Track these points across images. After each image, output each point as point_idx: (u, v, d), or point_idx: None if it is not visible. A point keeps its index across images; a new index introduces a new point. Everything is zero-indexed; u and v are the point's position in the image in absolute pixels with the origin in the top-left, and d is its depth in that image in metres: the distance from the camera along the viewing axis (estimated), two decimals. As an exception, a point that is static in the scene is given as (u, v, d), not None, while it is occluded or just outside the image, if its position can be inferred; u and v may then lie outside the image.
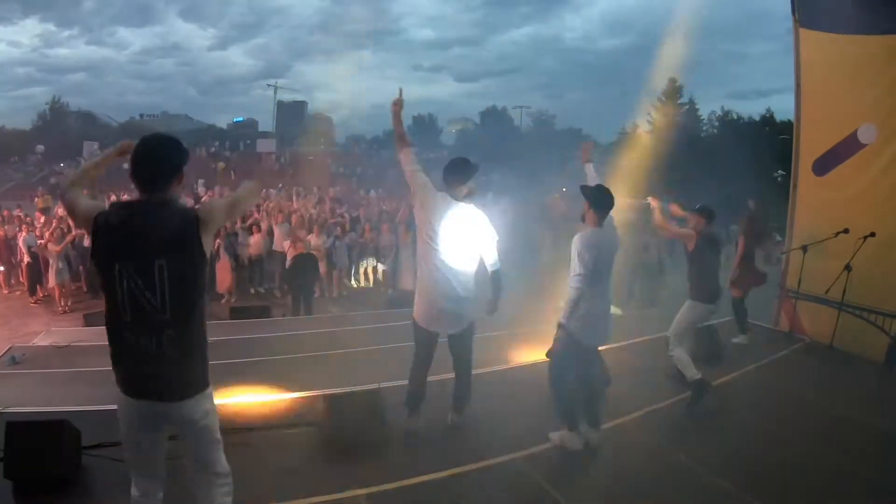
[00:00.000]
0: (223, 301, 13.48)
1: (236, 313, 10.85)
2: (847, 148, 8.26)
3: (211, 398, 2.92)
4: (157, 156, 2.79)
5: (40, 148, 46.90)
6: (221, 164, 46.39)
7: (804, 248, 8.20)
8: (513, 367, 7.12)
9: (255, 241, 15.07)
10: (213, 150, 52.77)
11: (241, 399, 5.71)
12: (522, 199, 20.70)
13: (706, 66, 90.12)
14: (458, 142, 65.74)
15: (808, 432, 5.44)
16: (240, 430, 4.82)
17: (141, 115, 76.78)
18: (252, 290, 15.01)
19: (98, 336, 8.51)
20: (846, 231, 7.80)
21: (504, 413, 5.56)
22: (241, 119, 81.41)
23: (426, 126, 70.73)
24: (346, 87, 74.84)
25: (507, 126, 62.26)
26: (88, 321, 10.39)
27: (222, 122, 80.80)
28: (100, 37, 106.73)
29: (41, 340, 9.32)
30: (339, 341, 8.42)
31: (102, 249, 2.73)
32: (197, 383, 2.84)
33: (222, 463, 3.00)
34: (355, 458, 4.71)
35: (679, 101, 50.48)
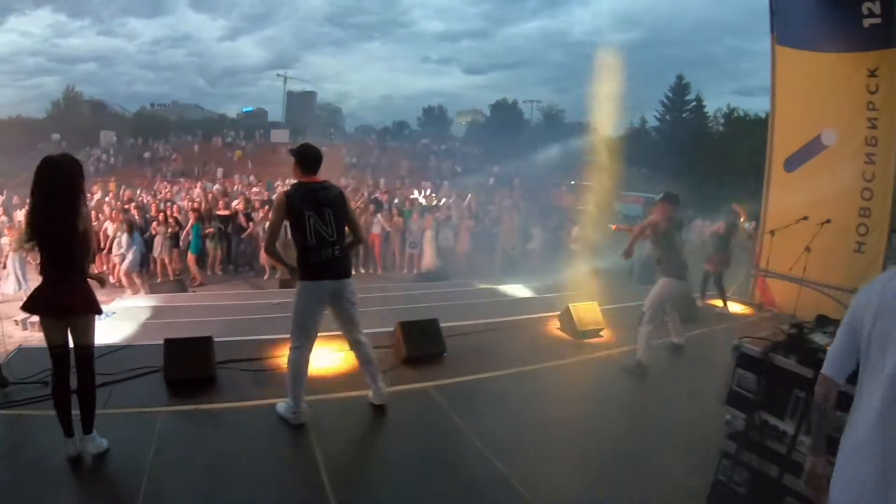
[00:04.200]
0: (265, 277, 14.94)
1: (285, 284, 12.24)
2: (812, 149, 9.73)
3: None
4: None
5: (56, 137, 46.18)
6: (239, 153, 46.96)
7: (772, 233, 9.76)
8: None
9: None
10: (228, 139, 53.22)
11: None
12: (532, 189, 21.76)
13: (713, 62, 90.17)
14: (469, 133, 66.12)
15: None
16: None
17: (151, 105, 76.27)
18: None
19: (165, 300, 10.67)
20: (805, 218, 9.32)
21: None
22: (250, 109, 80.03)
23: (436, 117, 70.80)
24: (355, 78, 75.01)
25: (517, 119, 62.35)
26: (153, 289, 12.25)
27: (232, 112, 79.86)
28: (110, 27, 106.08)
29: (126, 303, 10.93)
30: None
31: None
32: None
33: None
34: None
35: (686, 98, 51.65)
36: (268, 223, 5.28)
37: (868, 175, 8.97)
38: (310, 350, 5.05)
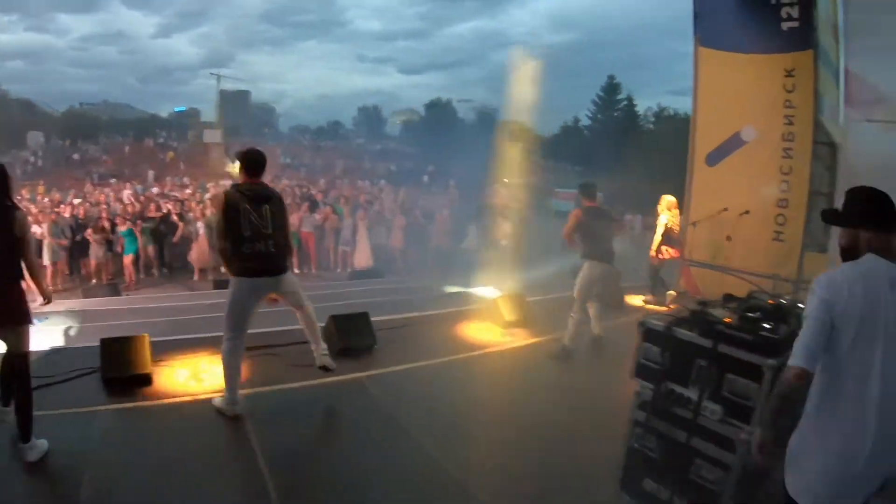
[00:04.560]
0: (196, 278, 14.95)
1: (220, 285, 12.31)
2: (733, 144, 10.16)
3: None
4: None
5: (-19, 136, 45.27)
6: (171, 154, 46.32)
7: (695, 224, 10.18)
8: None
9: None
10: (160, 140, 52.27)
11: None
12: (467, 187, 22.01)
13: (649, 63, 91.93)
14: (404, 133, 66.22)
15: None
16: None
17: (81, 104, 74.59)
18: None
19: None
20: (726, 209, 9.79)
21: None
22: (182, 108, 78.04)
23: (371, 117, 70.75)
24: (290, 78, 74.39)
25: (451, 118, 62.60)
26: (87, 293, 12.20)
27: (164, 111, 78.04)
28: (40, 22, 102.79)
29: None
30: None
31: None
32: None
33: None
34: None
35: (617, 97, 52.82)
36: (215, 223, 5.40)
37: (785, 168, 9.43)
38: (242, 342, 5.19)
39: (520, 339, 8.02)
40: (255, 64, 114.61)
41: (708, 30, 10.57)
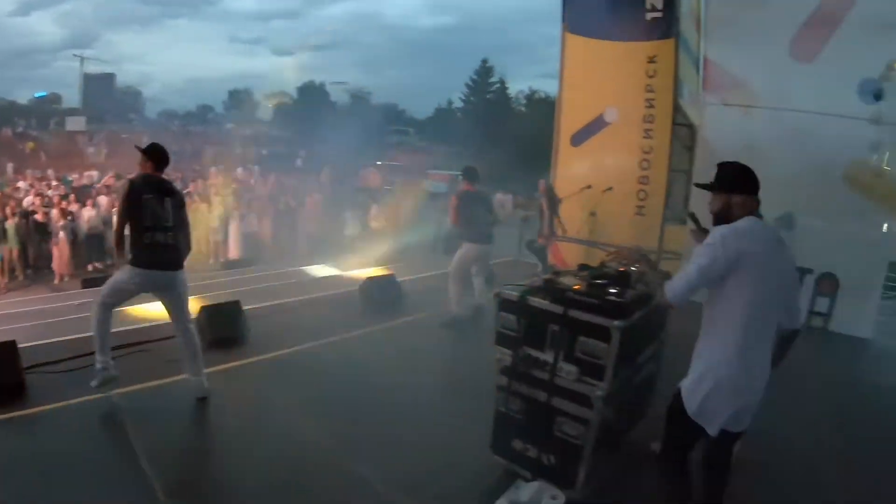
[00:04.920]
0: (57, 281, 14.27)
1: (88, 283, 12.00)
2: (596, 125, 10.81)
3: None
4: None
5: None
6: (31, 145, 43.57)
7: (560, 200, 10.65)
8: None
9: (88, 216, 15.53)
10: (19, 129, 49.15)
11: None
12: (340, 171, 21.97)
13: (524, 47, 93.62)
14: (276, 116, 64.81)
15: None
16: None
17: None
18: (91, 267, 15.28)
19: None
20: (590, 187, 10.44)
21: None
22: (43, 94, 70.71)
23: (242, 100, 68.63)
24: (158, 59, 71.16)
25: (324, 101, 61.80)
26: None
27: (23, 97, 72.34)
28: None
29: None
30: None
31: None
32: None
33: None
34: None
35: (490, 80, 53.74)
36: (116, 210, 5.29)
37: (646, 148, 10.08)
38: (113, 308, 5.10)
39: (393, 317, 8.12)
40: (120, 44, 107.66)
41: (575, 17, 11.16)
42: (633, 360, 3.98)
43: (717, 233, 2.96)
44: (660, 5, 9.79)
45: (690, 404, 3.03)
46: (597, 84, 10.83)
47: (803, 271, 8.32)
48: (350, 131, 29.42)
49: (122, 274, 4.99)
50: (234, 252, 16.12)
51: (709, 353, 3.03)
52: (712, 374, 2.96)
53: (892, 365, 7.61)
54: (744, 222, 2.94)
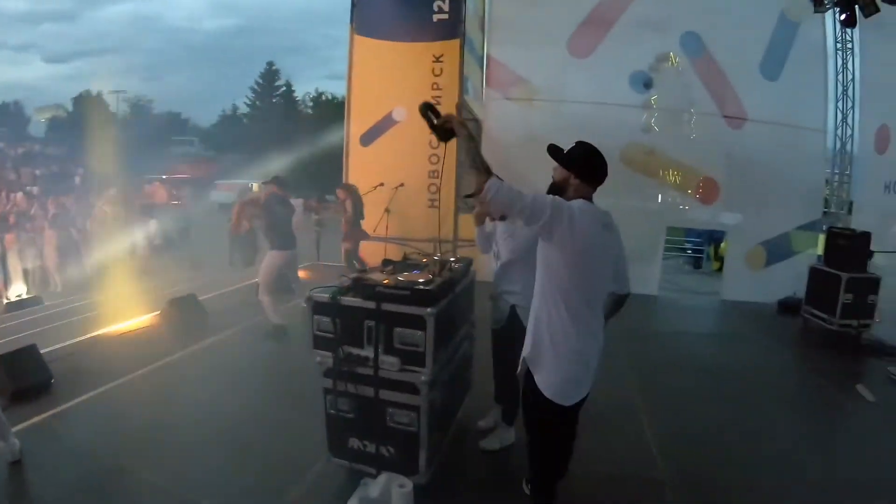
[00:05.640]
0: None
1: None
2: (384, 124, 11.26)
3: None
4: None
5: None
6: None
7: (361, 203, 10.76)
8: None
9: None
10: None
11: None
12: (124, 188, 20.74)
13: (308, 49, 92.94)
14: (50, 132, 59.81)
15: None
16: None
17: None
18: None
19: None
20: (382, 184, 10.83)
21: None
22: None
23: (12, 115, 62.83)
24: None
25: (102, 112, 57.99)
26: None
27: None
28: None
29: None
30: None
31: None
32: None
33: None
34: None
35: (276, 84, 52.94)
36: None
37: (434, 144, 10.43)
38: None
39: (204, 336, 7.76)
40: None
41: (363, 19, 11.56)
42: (448, 342, 4.19)
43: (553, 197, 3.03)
44: (447, 8, 10.54)
45: (546, 387, 3.09)
46: (385, 84, 11.24)
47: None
48: (131, 144, 27.88)
49: None
50: (15, 291, 14.63)
51: (548, 329, 3.09)
52: (556, 350, 3.06)
53: (676, 315, 9.49)
54: (577, 202, 3.03)
